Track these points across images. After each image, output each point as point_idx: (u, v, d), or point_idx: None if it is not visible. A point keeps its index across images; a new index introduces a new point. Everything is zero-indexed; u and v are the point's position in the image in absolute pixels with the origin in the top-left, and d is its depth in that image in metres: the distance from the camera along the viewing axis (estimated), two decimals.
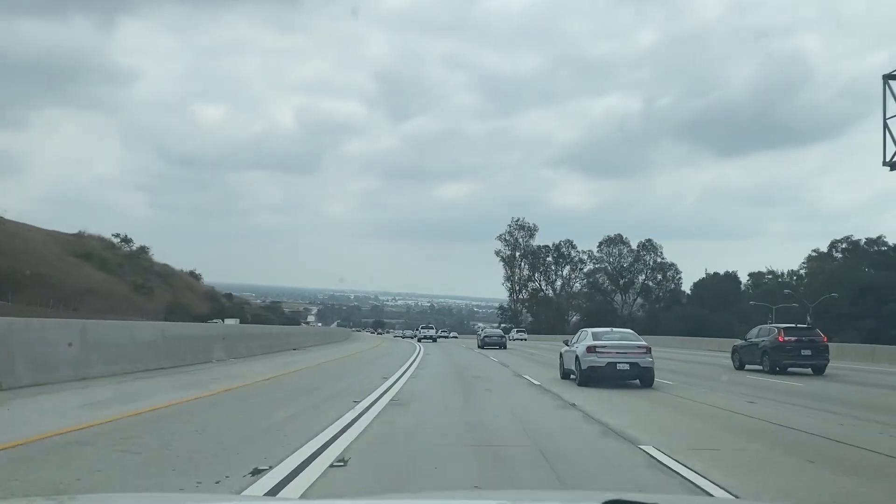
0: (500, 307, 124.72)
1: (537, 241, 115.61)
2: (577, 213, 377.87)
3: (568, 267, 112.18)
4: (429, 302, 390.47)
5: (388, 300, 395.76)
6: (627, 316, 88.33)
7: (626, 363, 15.51)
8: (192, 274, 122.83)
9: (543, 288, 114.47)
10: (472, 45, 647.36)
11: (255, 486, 5.63)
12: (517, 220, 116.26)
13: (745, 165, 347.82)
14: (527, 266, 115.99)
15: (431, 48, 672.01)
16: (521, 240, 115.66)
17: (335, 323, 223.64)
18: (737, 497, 5.69)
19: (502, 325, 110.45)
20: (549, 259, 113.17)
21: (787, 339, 21.83)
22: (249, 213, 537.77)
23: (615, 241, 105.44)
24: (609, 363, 15.43)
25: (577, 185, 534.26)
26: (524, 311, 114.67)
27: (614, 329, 18.36)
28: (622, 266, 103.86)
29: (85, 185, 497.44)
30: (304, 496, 5.29)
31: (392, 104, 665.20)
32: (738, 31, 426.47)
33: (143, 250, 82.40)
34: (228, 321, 46.79)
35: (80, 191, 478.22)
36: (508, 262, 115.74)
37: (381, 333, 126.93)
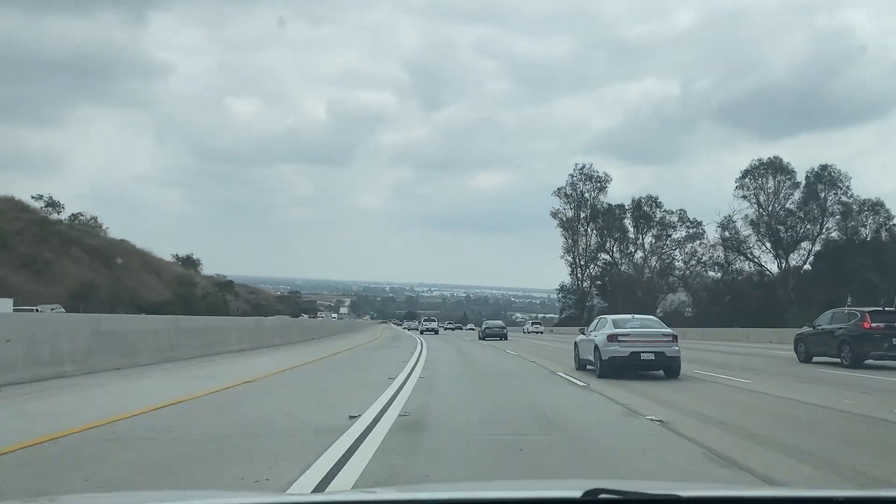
0: (561, 288, 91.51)
1: (609, 198, 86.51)
2: (615, 200, 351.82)
3: (652, 233, 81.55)
4: (464, 293, 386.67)
5: (423, 291, 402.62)
6: (791, 299, 53.76)
7: (651, 353, 14.31)
8: (185, 259, 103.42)
9: (618, 260, 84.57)
10: (504, 30, 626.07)
11: None
12: (582, 169, 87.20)
13: (786, 148, 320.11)
14: (595, 232, 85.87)
15: (463, 35, 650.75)
16: (587, 195, 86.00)
17: (367, 315, 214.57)
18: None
19: (564, 314, 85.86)
20: (627, 222, 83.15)
21: (874, 325, 18.08)
22: (284, 207, 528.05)
23: (771, 168, 67.89)
24: (633, 353, 14.22)
25: (613, 172, 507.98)
26: (593, 292, 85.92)
27: (635, 316, 16.99)
28: (786, 209, 65.30)
29: (120, 182, 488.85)
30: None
31: (424, 93, 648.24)
32: (781, 8, 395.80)
33: (76, 218, 61.96)
34: None
35: (115, 187, 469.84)
36: (569, 226, 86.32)
37: (397, 325, 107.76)
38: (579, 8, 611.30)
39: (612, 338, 14.42)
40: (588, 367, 15.80)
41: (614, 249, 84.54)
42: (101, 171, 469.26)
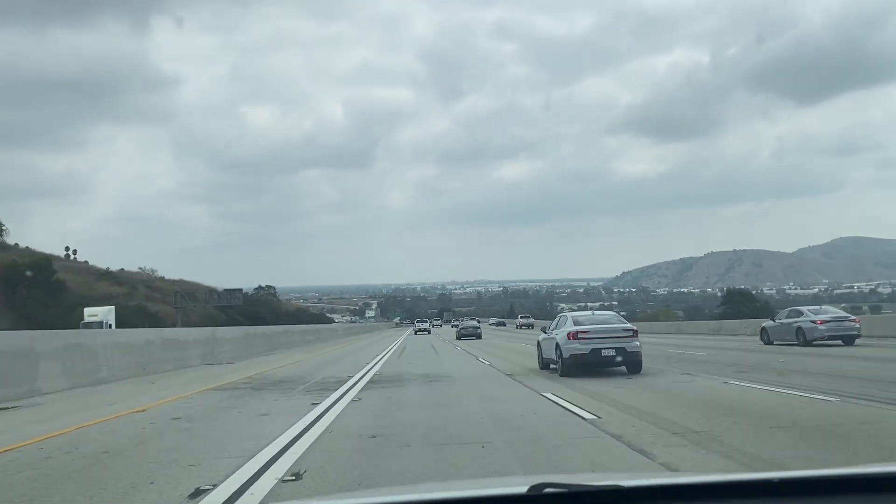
0: None
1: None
2: (648, 180, 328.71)
3: None
4: (500, 287, 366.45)
5: (455, 289, 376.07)
6: None
7: (612, 349, 14.54)
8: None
9: None
10: (522, 10, 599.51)
11: None
12: None
13: (826, 110, 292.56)
14: None
15: (479, 19, 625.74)
16: None
17: (397, 318, 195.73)
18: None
19: None
20: None
21: None
22: (310, 215, 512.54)
23: None
24: (593, 350, 14.51)
25: (643, 151, 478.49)
26: None
27: (596, 312, 18.13)
28: None
29: (145, 201, 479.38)
30: None
31: (442, 85, 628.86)
32: None
33: None
34: None
35: (140, 207, 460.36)
36: None
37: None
38: None
39: (572, 335, 14.63)
40: (551, 366, 15.83)
41: None
42: (123, 192, 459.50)
